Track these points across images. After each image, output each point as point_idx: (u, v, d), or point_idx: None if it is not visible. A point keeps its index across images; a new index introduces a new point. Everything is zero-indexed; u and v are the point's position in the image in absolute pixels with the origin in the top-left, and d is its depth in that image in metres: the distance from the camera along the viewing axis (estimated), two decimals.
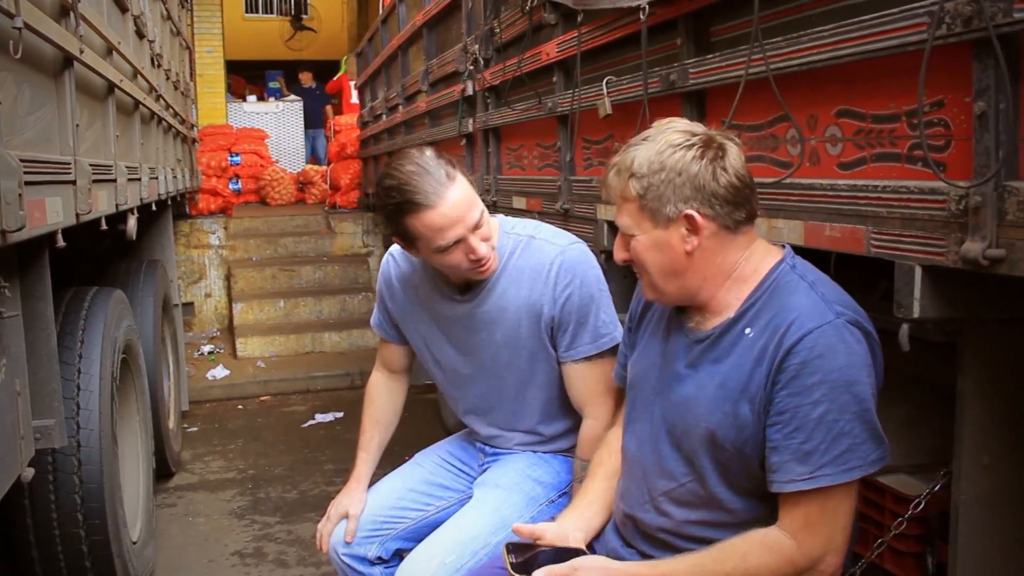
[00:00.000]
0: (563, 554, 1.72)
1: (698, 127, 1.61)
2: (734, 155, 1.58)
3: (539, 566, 1.64)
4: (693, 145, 1.56)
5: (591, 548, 1.84)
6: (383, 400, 2.47)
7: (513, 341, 2.15)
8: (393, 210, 1.96)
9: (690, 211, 1.56)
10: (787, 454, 1.51)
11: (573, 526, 1.84)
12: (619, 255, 1.69)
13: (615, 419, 2.01)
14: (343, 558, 2.27)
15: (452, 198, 1.93)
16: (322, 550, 2.30)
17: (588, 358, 2.12)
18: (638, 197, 1.59)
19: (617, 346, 2.07)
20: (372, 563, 2.27)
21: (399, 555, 2.28)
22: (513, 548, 1.73)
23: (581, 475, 2.06)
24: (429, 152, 1.98)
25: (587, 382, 2.13)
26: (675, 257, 1.61)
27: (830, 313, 1.53)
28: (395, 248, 2.27)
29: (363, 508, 2.29)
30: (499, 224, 2.17)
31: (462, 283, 2.16)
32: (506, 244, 2.13)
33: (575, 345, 2.12)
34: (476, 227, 1.98)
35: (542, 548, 1.75)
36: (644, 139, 1.61)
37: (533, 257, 2.12)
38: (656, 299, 1.73)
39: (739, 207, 1.59)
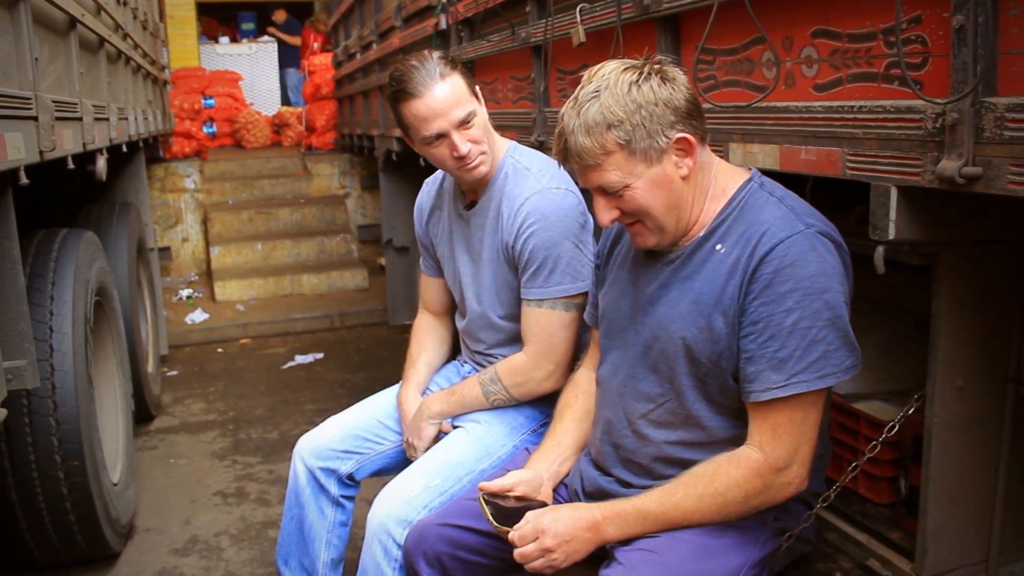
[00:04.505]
0: (536, 506, 1.75)
1: (630, 61, 1.59)
2: (672, 73, 1.58)
3: (517, 518, 1.66)
4: (649, 75, 1.55)
5: (556, 493, 1.88)
6: (425, 333, 2.49)
7: (490, 254, 2.21)
8: (391, 97, 2.09)
9: (680, 134, 1.56)
10: (762, 363, 1.53)
11: (545, 470, 1.87)
12: (607, 217, 1.63)
13: (586, 360, 2.01)
14: (316, 469, 2.29)
15: (438, 92, 2.03)
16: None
17: (539, 302, 2.12)
18: (623, 145, 1.55)
19: (575, 300, 2.10)
20: (340, 480, 2.30)
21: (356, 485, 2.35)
22: (490, 499, 1.74)
23: (488, 384, 2.19)
24: (437, 53, 2.09)
25: (534, 325, 2.15)
26: (675, 187, 1.59)
27: (800, 224, 1.55)
28: (429, 177, 2.45)
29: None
30: (508, 146, 2.22)
31: (469, 198, 2.25)
32: (504, 166, 2.18)
33: (529, 285, 2.13)
34: (462, 125, 2.06)
35: (515, 498, 1.78)
36: (595, 93, 1.55)
37: (517, 187, 2.15)
38: (657, 244, 1.66)
39: (702, 117, 1.60)
